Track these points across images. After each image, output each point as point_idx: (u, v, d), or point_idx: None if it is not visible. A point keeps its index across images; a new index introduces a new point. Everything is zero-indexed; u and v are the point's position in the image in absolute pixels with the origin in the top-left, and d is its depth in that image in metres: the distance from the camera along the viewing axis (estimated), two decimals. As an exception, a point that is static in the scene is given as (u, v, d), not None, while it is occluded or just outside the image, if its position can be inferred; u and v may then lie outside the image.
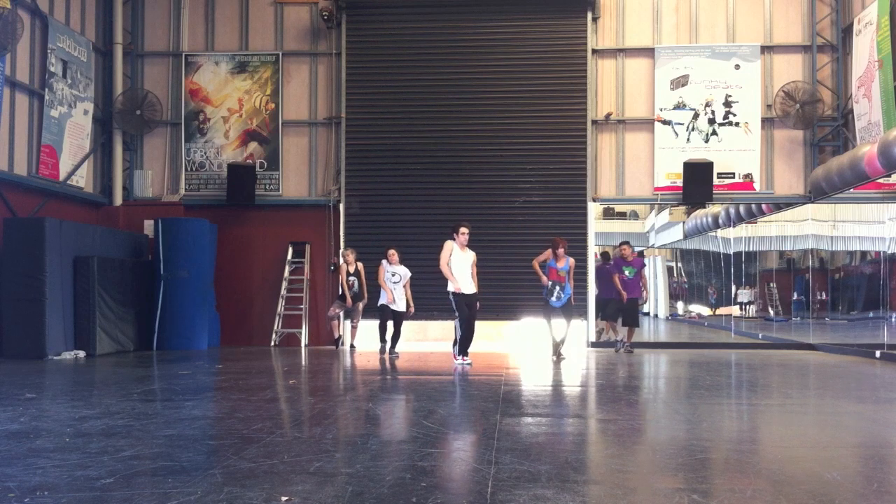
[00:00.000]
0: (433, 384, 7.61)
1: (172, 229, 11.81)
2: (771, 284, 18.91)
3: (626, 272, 11.28)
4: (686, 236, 21.80)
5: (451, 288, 9.36)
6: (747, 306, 19.28)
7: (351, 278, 11.78)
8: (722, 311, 19.62)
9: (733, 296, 19.13)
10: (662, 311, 26.94)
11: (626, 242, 11.54)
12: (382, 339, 10.77)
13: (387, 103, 13.04)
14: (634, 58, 12.95)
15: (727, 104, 12.72)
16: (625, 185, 12.90)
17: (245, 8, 13.36)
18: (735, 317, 18.93)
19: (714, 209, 17.16)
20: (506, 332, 12.46)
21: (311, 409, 6.02)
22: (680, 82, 12.80)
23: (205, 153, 13.29)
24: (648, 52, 12.88)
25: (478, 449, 4.18)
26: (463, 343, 9.45)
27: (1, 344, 10.05)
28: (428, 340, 12.46)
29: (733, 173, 12.67)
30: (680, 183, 12.57)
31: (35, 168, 11.28)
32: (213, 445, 4.36)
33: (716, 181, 12.47)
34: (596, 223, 13.70)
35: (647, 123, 12.88)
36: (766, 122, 12.74)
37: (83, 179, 12.51)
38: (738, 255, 18.20)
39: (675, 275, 26.45)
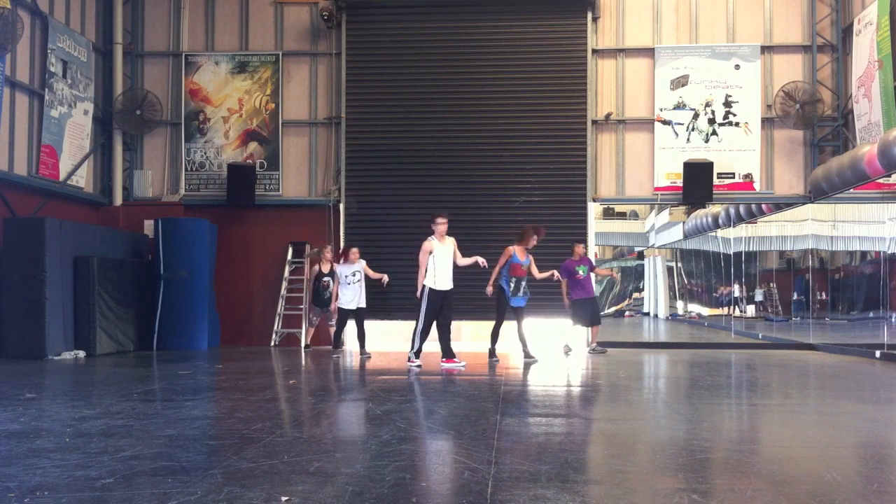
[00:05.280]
0: (433, 384, 7.61)
1: (172, 229, 11.81)
2: (771, 284, 18.91)
3: (581, 271, 11.21)
4: (686, 236, 21.82)
5: (428, 283, 9.11)
6: (760, 305, 19.28)
7: (326, 279, 11.36)
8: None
9: (743, 295, 19.15)
10: (662, 312, 26.95)
11: (580, 242, 11.59)
12: (338, 345, 10.75)
13: (387, 103, 13.03)
14: (634, 58, 12.95)
15: (727, 104, 12.72)
16: (625, 185, 12.91)
17: (245, 8, 13.36)
18: (735, 317, 18.93)
19: (714, 209, 17.16)
20: (505, 333, 12.43)
21: (311, 409, 6.02)
22: (680, 82, 12.80)
23: (205, 153, 13.29)
24: (648, 52, 12.89)
25: (478, 449, 4.18)
26: (446, 345, 9.25)
27: (1, 344, 10.05)
28: (428, 340, 12.43)
29: (733, 173, 12.68)
30: (680, 183, 12.57)
31: (35, 168, 11.29)
32: (213, 445, 4.36)
33: (716, 181, 12.47)
34: (596, 223, 13.72)
35: (647, 123, 12.89)
36: (766, 122, 12.74)
37: (83, 179, 12.52)
38: (738, 255, 18.20)
39: (684, 275, 26.47)
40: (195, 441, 4.42)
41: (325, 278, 11.37)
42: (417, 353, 9.25)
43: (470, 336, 12.83)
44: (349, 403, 6.44)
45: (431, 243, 9.21)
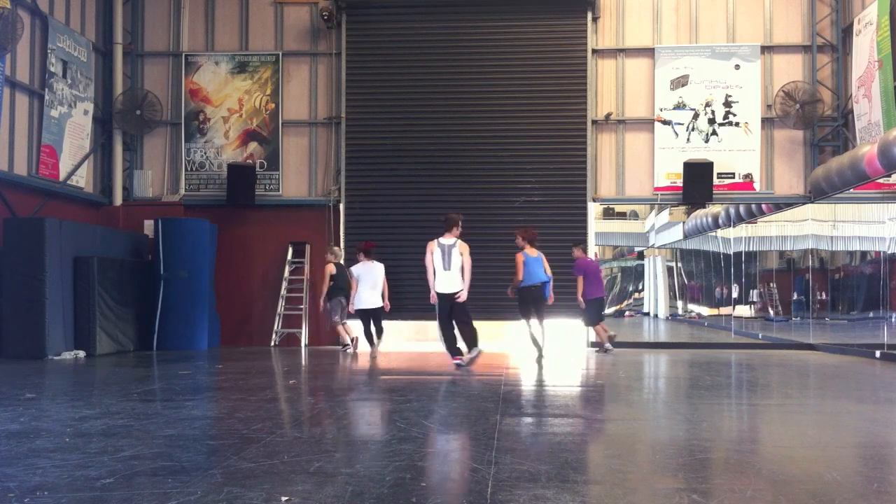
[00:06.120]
0: (433, 384, 7.60)
1: (172, 229, 11.81)
2: (771, 284, 18.91)
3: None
4: (686, 236, 21.80)
5: (438, 289, 8.99)
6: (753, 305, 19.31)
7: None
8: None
9: (743, 295, 19.17)
10: (662, 311, 26.94)
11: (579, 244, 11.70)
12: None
13: (387, 103, 13.04)
14: (634, 58, 12.96)
15: (727, 104, 12.72)
16: (625, 185, 12.91)
17: (245, 8, 13.37)
18: (735, 317, 18.92)
19: (714, 209, 17.15)
20: (506, 332, 12.43)
21: (311, 409, 6.02)
22: (680, 82, 12.80)
23: (205, 153, 13.29)
24: (648, 52, 12.89)
25: (478, 449, 4.18)
26: (461, 341, 9.14)
27: (1, 344, 10.05)
28: (428, 340, 12.44)
29: (733, 173, 12.68)
30: (680, 183, 12.57)
31: (35, 168, 11.29)
32: (213, 445, 4.36)
33: (716, 181, 12.47)
34: (596, 223, 13.71)
35: (647, 123, 12.89)
36: (766, 122, 12.74)
37: (83, 179, 12.52)
38: (738, 255, 18.19)
39: (684, 275, 26.45)
40: (195, 441, 4.42)
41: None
42: (452, 353, 9.08)
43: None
44: (350, 403, 6.43)
45: (433, 244, 9.05)
